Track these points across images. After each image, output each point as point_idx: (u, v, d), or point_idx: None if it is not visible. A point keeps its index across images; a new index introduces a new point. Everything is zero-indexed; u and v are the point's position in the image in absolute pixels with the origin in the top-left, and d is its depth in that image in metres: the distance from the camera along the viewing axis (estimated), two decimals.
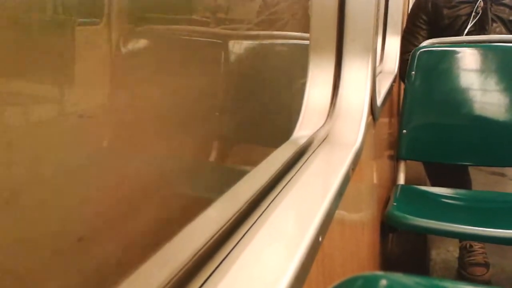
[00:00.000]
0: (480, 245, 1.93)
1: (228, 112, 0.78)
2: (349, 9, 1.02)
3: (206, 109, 0.69)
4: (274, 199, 0.64)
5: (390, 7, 2.43)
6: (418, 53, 1.93)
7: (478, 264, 1.90)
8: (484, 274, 1.88)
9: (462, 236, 1.76)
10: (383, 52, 2.36)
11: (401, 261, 2.03)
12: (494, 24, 2.11)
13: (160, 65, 0.55)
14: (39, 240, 0.36)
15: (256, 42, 0.97)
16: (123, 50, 0.49)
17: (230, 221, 0.53)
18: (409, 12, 2.51)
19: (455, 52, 1.95)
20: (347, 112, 1.00)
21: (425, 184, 2.17)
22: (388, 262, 1.79)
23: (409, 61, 1.95)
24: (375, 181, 1.51)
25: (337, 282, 0.60)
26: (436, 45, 1.98)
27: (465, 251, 1.95)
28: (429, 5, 2.19)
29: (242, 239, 0.52)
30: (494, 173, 2.95)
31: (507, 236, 1.44)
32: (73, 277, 0.39)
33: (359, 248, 1.15)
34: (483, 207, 1.76)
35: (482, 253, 1.92)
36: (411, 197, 1.73)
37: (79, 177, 0.41)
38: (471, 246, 1.93)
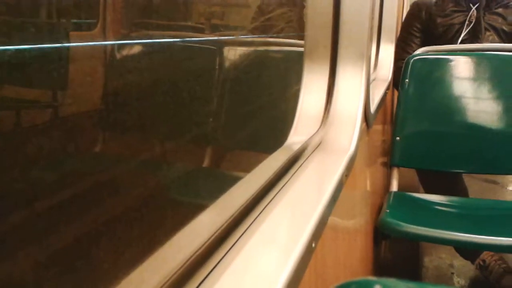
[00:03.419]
0: (494, 257, 1.91)
1: (221, 117, 0.79)
2: (343, 16, 1.03)
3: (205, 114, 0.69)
4: (267, 204, 0.64)
5: (384, 15, 2.45)
6: (412, 61, 1.94)
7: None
8: None
9: (455, 243, 1.76)
10: (377, 59, 2.38)
11: (393, 268, 2.03)
12: (487, 33, 2.13)
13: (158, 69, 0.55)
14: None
15: (254, 48, 0.98)
16: None
17: (224, 226, 0.53)
18: (403, 20, 2.53)
19: (448, 60, 1.97)
20: (341, 118, 1.00)
21: (418, 191, 2.18)
22: (381, 269, 1.79)
23: (402, 69, 1.96)
24: (368, 187, 1.52)
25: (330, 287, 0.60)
26: (430, 53, 1.99)
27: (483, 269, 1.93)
28: (423, 13, 2.20)
29: (236, 245, 0.52)
30: (486, 181, 2.97)
31: (500, 244, 1.45)
32: (68, 277, 0.39)
33: (352, 255, 1.15)
34: (476, 215, 1.76)
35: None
36: (404, 204, 1.73)
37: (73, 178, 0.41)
38: (484, 261, 1.92)
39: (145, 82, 0.55)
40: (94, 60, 0.50)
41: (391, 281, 0.56)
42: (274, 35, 1.20)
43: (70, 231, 0.40)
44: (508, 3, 2.16)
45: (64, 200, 0.40)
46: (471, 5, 2.12)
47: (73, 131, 0.43)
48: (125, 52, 0.55)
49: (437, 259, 2.15)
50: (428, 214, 1.72)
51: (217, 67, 0.83)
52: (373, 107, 1.32)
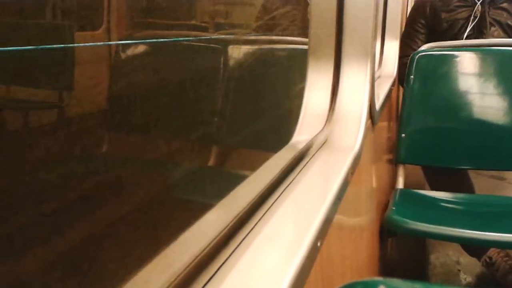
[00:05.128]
0: (500, 254, 1.91)
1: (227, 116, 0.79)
2: (347, 13, 1.03)
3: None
4: (273, 203, 0.64)
5: (388, 11, 2.44)
6: (416, 57, 1.93)
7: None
8: None
9: (461, 241, 1.76)
10: (382, 56, 2.37)
11: (400, 265, 2.03)
12: (492, 28, 2.12)
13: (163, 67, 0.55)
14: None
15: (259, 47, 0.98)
16: None
17: (229, 225, 0.53)
18: (407, 16, 2.52)
19: (453, 56, 1.96)
20: (346, 116, 1.00)
21: (424, 188, 2.17)
22: (387, 267, 1.79)
23: (407, 65, 1.95)
24: (374, 185, 1.51)
25: (336, 287, 0.60)
26: (435, 49, 1.98)
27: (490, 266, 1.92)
28: (428, 9, 2.19)
29: (241, 244, 0.52)
30: (493, 177, 2.95)
31: (507, 240, 1.44)
32: (75, 278, 0.39)
33: (358, 253, 1.15)
34: (483, 211, 1.76)
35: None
36: (410, 201, 1.73)
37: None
38: (490, 258, 1.92)
39: (150, 81, 0.55)
40: (99, 59, 0.50)
41: (397, 281, 0.56)
42: (279, 33, 1.20)
43: (76, 232, 0.40)
44: None
45: (71, 200, 0.40)
46: (476, 0, 2.11)
47: (79, 131, 0.44)
48: (129, 51, 0.55)
49: (443, 256, 2.14)
50: (434, 211, 1.71)
51: (221, 65, 0.83)
52: (378, 104, 1.32)
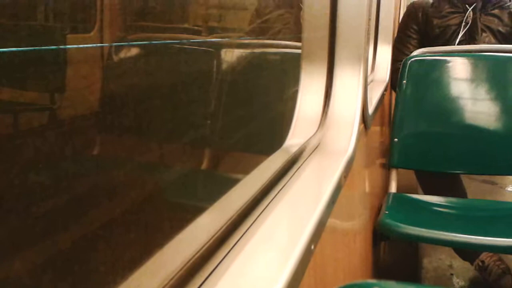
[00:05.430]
0: (493, 258, 1.92)
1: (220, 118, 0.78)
2: (340, 18, 1.03)
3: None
4: (266, 207, 0.63)
5: (381, 17, 2.45)
6: (409, 62, 1.94)
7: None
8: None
9: (454, 245, 1.76)
10: (375, 61, 2.38)
11: (393, 269, 2.03)
12: (484, 34, 2.13)
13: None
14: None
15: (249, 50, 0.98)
16: None
17: (222, 229, 0.52)
18: (400, 21, 2.54)
19: (445, 61, 1.97)
20: (339, 120, 1.00)
21: (416, 193, 2.18)
22: (380, 271, 1.79)
23: (400, 70, 1.96)
24: (367, 189, 1.51)
25: None
26: (427, 54, 1.99)
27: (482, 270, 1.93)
28: (420, 14, 2.21)
29: (234, 247, 0.52)
30: (485, 182, 2.97)
31: (499, 244, 1.45)
32: (67, 281, 0.38)
33: (351, 256, 1.15)
34: (475, 215, 1.76)
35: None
36: (403, 205, 1.73)
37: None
38: (483, 262, 1.92)
39: (143, 85, 0.55)
40: (91, 62, 0.50)
41: (390, 283, 0.56)
42: (272, 37, 1.20)
43: (68, 234, 0.40)
44: (504, 4, 2.16)
45: (63, 203, 0.40)
46: (467, 6, 2.13)
47: (71, 133, 0.43)
48: (122, 54, 0.55)
49: (436, 260, 2.15)
50: (427, 215, 1.72)
51: (214, 69, 0.83)
52: (371, 109, 1.32)
